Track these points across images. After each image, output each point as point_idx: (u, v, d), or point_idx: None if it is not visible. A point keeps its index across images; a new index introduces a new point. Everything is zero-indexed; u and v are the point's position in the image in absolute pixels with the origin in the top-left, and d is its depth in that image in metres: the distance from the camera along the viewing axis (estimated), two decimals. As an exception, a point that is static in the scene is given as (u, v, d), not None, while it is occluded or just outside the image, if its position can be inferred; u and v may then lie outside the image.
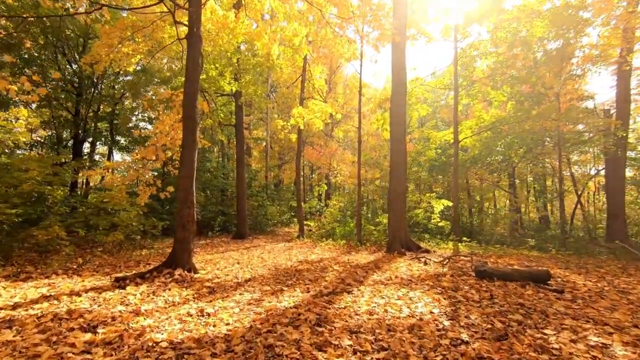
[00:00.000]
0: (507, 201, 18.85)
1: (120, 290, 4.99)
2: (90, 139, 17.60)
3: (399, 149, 10.61)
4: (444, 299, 4.71)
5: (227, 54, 12.48)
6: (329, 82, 22.95)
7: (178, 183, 6.42)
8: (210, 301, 4.63)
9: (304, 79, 15.25)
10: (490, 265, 6.89)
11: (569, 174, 18.74)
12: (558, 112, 12.56)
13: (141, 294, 4.82)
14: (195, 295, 4.91)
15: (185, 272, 6.04)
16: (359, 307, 4.34)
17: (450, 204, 13.33)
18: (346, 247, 11.80)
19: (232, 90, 14.17)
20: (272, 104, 21.43)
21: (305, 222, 16.18)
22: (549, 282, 5.49)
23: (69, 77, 16.50)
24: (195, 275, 6.15)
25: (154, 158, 9.13)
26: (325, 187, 22.60)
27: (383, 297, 4.81)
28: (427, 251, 10.01)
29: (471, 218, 16.41)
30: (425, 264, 7.59)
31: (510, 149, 15.26)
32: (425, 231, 13.93)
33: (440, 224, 13.32)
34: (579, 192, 16.25)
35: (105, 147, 19.49)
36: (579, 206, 16.29)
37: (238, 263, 8.04)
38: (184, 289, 5.22)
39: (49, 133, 18.02)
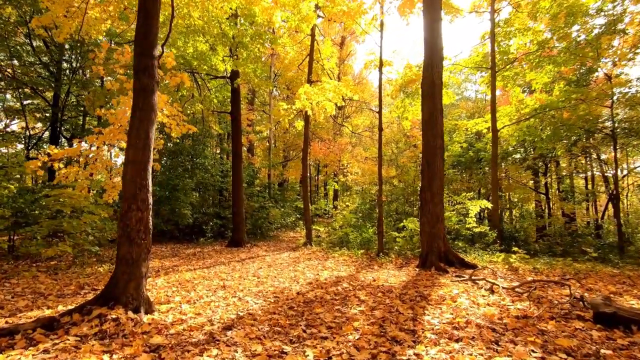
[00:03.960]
0: (552, 204, 16.38)
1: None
2: (69, 130, 15.58)
3: (433, 138, 8.31)
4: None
5: (219, 23, 10.26)
6: (340, 65, 20.66)
7: (123, 172, 4.17)
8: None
9: (311, 59, 12.99)
10: (598, 298, 4.54)
11: (606, 172, 16.25)
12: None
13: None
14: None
15: (130, 312, 3.78)
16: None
17: (489, 205, 10.96)
18: (365, 258, 9.49)
19: (226, 70, 11.96)
20: (274, 87, 19.18)
21: (312, 227, 13.90)
22: None
23: (46, 61, 14.52)
24: (146, 318, 3.89)
25: (117, 143, 6.94)
26: (337, 186, 20.29)
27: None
28: (474, 267, 7.68)
29: (512, 223, 14.00)
30: (492, 292, 5.25)
31: (555, 140, 12.85)
32: (457, 238, 11.57)
33: (477, 230, 10.95)
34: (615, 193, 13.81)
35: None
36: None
37: (223, 287, 5.76)
38: (113, 352, 2.96)
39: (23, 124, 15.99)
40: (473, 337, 3.36)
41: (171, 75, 7.34)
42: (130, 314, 3.75)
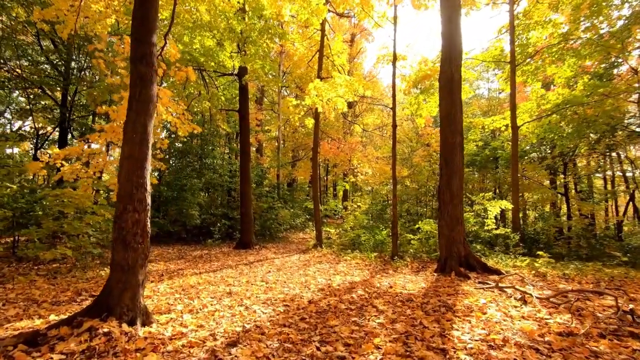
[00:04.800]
0: (570, 204, 15.61)
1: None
2: (79, 130, 15.45)
3: (452, 136, 7.82)
4: None
5: (226, 17, 9.92)
6: (350, 63, 20.19)
7: (119, 169, 3.81)
8: None
9: (321, 55, 12.57)
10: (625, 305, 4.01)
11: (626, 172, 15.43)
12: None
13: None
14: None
15: (125, 324, 3.41)
16: None
17: (509, 206, 10.37)
18: (379, 262, 9.03)
19: (234, 66, 11.62)
20: (283, 86, 18.80)
21: (323, 228, 13.47)
22: None
23: (54, 60, 14.42)
24: (142, 331, 3.51)
25: (119, 141, 6.60)
26: (348, 186, 19.79)
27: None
28: (498, 272, 7.15)
29: (528, 225, 13.35)
30: (525, 302, 4.74)
31: (579, 137, 12.18)
32: (475, 241, 11.01)
33: (497, 232, 10.38)
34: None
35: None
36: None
37: (230, 294, 5.37)
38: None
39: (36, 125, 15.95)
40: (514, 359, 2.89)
41: (176, 70, 6.99)
42: (125, 326, 3.38)
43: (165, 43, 5.77)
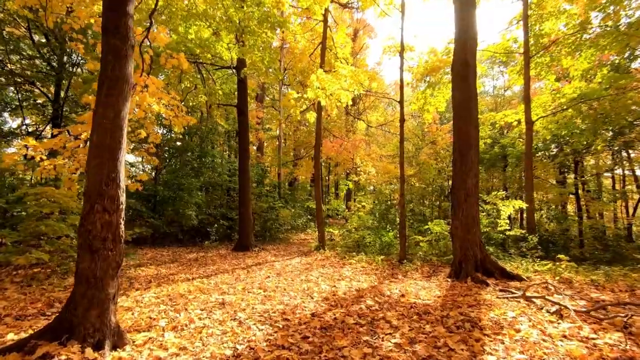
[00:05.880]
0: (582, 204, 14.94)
1: None
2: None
3: (467, 128, 7.20)
4: None
5: (223, 5, 9.32)
6: (353, 58, 19.56)
7: (87, 161, 3.21)
8: None
9: (324, 47, 11.96)
10: None
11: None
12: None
13: None
14: None
15: (90, 349, 2.81)
16: None
17: (524, 205, 9.73)
18: (386, 265, 8.41)
19: (232, 59, 11.02)
20: (284, 84, 18.23)
21: (325, 229, 12.85)
22: None
23: (46, 54, 13.86)
24: (110, 357, 2.90)
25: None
26: (351, 185, 19.14)
27: None
28: (519, 278, 6.54)
29: (546, 225, 12.71)
30: (561, 316, 4.11)
31: (596, 133, 11.53)
32: (487, 243, 10.38)
33: (510, 233, 9.75)
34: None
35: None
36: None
37: (222, 304, 4.75)
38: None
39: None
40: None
41: (167, 57, 6.37)
42: (89, 352, 2.77)
43: (152, 23, 5.18)
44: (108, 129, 3.16)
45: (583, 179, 16.02)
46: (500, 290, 5.68)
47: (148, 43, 5.51)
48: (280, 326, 3.87)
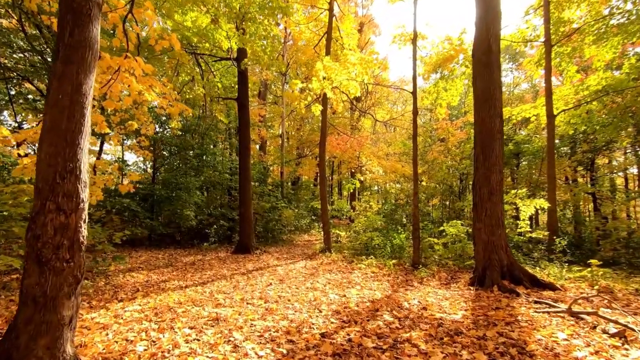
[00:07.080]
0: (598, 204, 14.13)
1: None
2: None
3: (490, 119, 6.47)
4: None
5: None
6: (360, 49, 18.84)
7: (38, 149, 2.54)
8: None
9: (329, 37, 11.26)
10: None
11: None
12: None
13: None
14: None
15: (33, 393, 2.12)
16: None
17: (545, 205, 8.97)
18: (399, 270, 7.70)
19: (232, 49, 10.35)
20: (285, 81, 17.54)
21: (331, 230, 12.16)
22: None
23: (38, 47, 13.26)
24: (61, 404, 2.22)
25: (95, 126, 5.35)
26: (357, 183, 18.40)
27: None
28: (552, 287, 5.82)
29: (567, 227, 11.94)
30: (626, 339, 3.38)
31: (622, 128, 10.76)
32: (506, 245, 9.62)
33: (531, 235, 9.00)
34: None
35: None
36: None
37: (216, 320, 4.06)
38: None
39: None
40: None
41: (157, 38, 5.67)
42: (31, 398, 2.09)
43: (135, -6, 4.51)
44: (65, 107, 2.48)
45: (599, 176, 15.25)
46: (535, 302, 4.95)
47: (132, 18, 4.85)
48: (284, 351, 3.18)
